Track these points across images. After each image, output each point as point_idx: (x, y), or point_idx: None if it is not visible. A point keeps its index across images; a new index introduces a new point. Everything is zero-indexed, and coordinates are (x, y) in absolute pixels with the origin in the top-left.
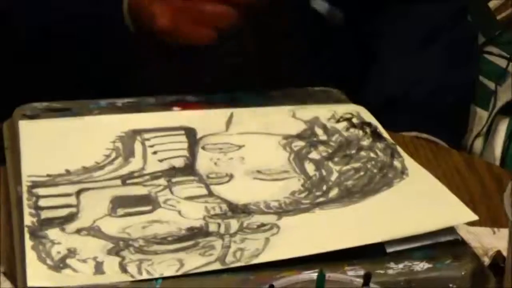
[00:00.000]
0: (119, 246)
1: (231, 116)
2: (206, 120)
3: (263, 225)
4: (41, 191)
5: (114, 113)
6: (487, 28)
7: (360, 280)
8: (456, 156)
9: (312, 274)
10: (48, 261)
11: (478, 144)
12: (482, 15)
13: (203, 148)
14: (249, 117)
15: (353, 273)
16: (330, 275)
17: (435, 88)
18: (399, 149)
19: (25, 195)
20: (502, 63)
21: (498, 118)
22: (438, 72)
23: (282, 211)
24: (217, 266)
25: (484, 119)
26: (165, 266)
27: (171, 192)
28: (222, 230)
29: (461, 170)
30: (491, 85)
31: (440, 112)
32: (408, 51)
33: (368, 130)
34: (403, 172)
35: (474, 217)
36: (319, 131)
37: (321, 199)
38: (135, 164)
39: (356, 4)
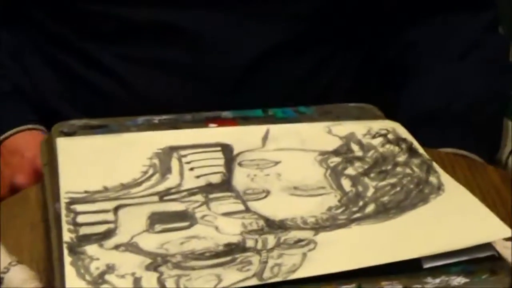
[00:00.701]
0: (157, 261)
1: (267, 132)
2: (242, 136)
3: (300, 240)
4: (79, 207)
5: (151, 129)
6: None
7: None
8: (492, 172)
9: None
10: (87, 277)
11: None
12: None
13: (239, 164)
14: (285, 133)
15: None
16: None
17: (474, 100)
18: (435, 165)
19: (63, 212)
20: None
21: None
22: (477, 84)
23: (319, 226)
24: (254, 281)
25: None
26: (203, 281)
27: (208, 208)
28: (259, 245)
29: (498, 186)
30: None
31: (478, 125)
32: (446, 63)
33: (403, 146)
34: (439, 188)
35: (510, 232)
36: (355, 147)
37: (357, 215)
38: (172, 180)
39: (391, 16)
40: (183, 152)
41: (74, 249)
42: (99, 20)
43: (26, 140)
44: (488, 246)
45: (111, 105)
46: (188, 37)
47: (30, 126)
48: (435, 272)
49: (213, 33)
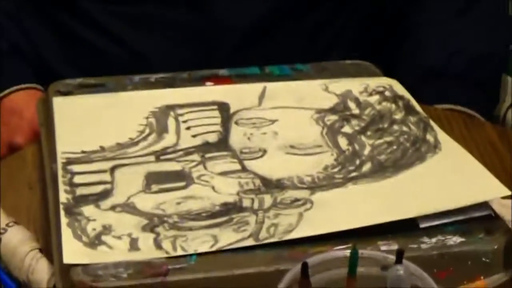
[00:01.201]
0: (154, 222)
1: (264, 90)
2: (239, 94)
3: (296, 200)
4: (75, 167)
5: (147, 88)
6: None
7: (393, 257)
8: (490, 129)
9: (346, 251)
10: (84, 238)
11: (511, 115)
12: None
13: (236, 123)
14: (282, 91)
15: (386, 248)
16: (363, 252)
17: (474, 57)
18: (432, 122)
19: (60, 172)
20: None
21: None
22: (476, 41)
23: (315, 186)
24: (250, 242)
25: None
26: (199, 242)
27: (205, 168)
28: (255, 205)
29: (495, 143)
30: None
31: (478, 81)
32: (445, 22)
33: (400, 103)
34: (436, 146)
35: (507, 191)
36: (351, 104)
37: (354, 174)
38: (168, 139)
39: None
40: (179, 111)
41: (70, 210)
42: None
43: (24, 99)
44: (484, 205)
45: (111, 65)
46: None
47: (28, 85)
48: (431, 231)
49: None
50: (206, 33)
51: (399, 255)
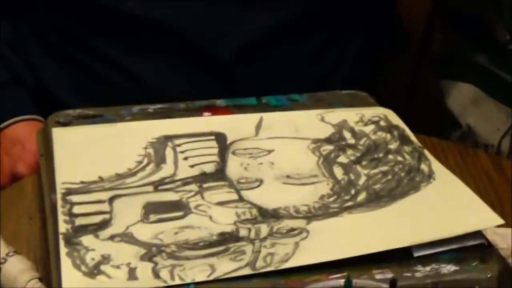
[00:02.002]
0: (152, 252)
1: (261, 120)
2: (235, 125)
3: (292, 229)
4: (75, 198)
5: (146, 119)
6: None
7: (387, 286)
8: (484, 158)
9: (340, 280)
10: (83, 268)
11: (506, 143)
12: (507, 13)
13: (233, 153)
14: (278, 121)
15: (381, 277)
16: (357, 281)
17: None
18: (426, 152)
19: (59, 202)
20: None
21: None
22: None
23: (311, 215)
24: (247, 271)
25: (511, 117)
26: (197, 271)
27: (202, 198)
28: (252, 235)
29: (489, 172)
30: None
31: None
32: None
33: (395, 133)
34: (430, 176)
35: (500, 221)
36: (347, 134)
37: (349, 203)
38: (166, 170)
39: None
40: (177, 141)
41: (70, 240)
42: (98, 13)
43: (26, 130)
44: (477, 234)
45: (115, 95)
46: (179, 30)
47: (29, 116)
48: (425, 260)
49: (204, 23)
50: (205, 61)
51: (393, 284)
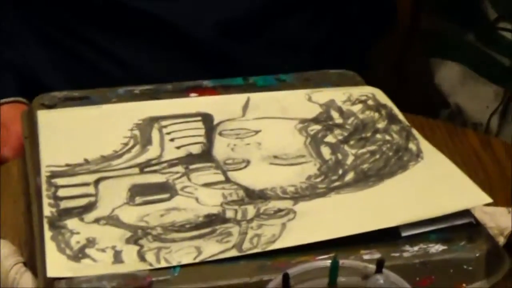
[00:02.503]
0: (138, 234)
1: (248, 101)
2: (222, 105)
3: (279, 210)
4: (60, 181)
5: (131, 100)
6: (500, 3)
7: (374, 266)
8: (472, 137)
9: (327, 261)
10: (68, 251)
11: (495, 121)
12: None
13: (220, 134)
14: (265, 101)
15: (369, 257)
16: (344, 262)
17: None
18: (414, 131)
19: (44, 186)
20: None
21: None
22: None
23: (298, 196)
24: (234, 253)
25: (500, 96)
26: (183, 254)
27: (189, 179)
28: (239, 216)
29: (478, 151)
30: (506, 61)
31: None
32: None
33: (383, 112)
34: (418, 155)
35: (488, 199)
36: (334, 114)
37: (337, 183)
38: (152, 151)
39: None
40: (163, 123)
41: (54, 224)
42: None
43: (10, 113)
44: (465, 213)
45: (103, 81)
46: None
47: (12, 98)
48: (413, 240)
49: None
50: (191, 41)
51: (380, 265)
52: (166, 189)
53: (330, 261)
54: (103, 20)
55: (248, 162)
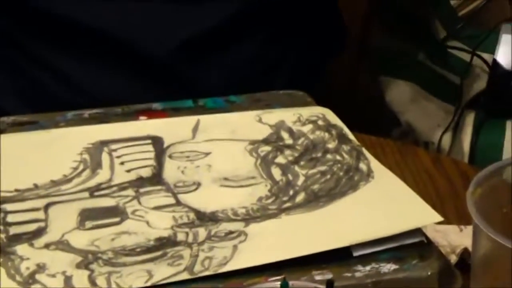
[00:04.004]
0: (88, 259)
1: (198, 123)
2: (172, 128)
3: (230, 232)
4: (9, 206)
5: (81, 124)
6: (449, 22)
7: (324, 287)
8: (423, 155)
9: (277, 283)
10: (18, 278)
11: (447, 139)
12: (443, 9)
13: (170, 156)
14: (215, 123)
15: (321, 277)
16: (293, 283)
17: None
18: (365, 151)
19: None
20: (466, 57)
21: (465, 113)
22: None
23: (249, 217)
24: (185, 276)
25: (451, 114)
26: (134, 277)
27: (139, 203)
28: (190, 239)
29: (429, 169)
30: (456, 79)
31: None
32: None
33: (333, 132)
34: (368, 174)
35: (439, 218)
36: (285, 135)
37: (287, 204)
38: (102, 175)
39: None
40: (113, 146)
41: (4, 249)
42: (32, 16)
43: None
44: (417, 231)
45: (55, 101)
46: (113, 32)
47: None
48: (365, 259)
49: (139, 23)
50: (144, 63)
51: (329, 285)
52: (117, 213)
53: (279, 282)
54: (50, 36)
55: (198, 185)
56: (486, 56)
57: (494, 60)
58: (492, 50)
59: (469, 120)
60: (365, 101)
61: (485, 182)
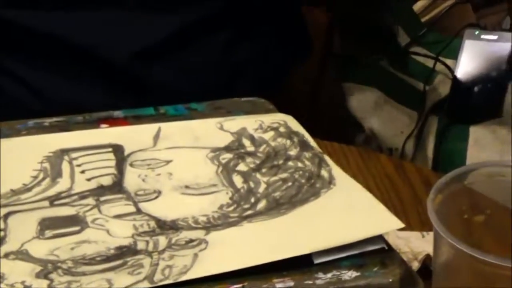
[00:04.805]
0: (48, 268)
1: (159, 131)
2: (133, 136)
3: (191, 241)
4: None
5: (41, 133)
6: (412, 29)
7: None
8: (386, 161)
9: None
10: None
11: (410, 146)
12: (406, 16)
13: (131, 165)
14: (176, 131)
15: (282, 285)
16: None
17: None
18: (327, 158)
19: None
20: (429, 63)
21: (428, 119)
22: None
23: (210, 225)
24: (145, 284)
25: (415, 120)
26: (93, 287)
27: (99, 211)
28: (150, 247)
29: (391, 175)
30: (420, 85)
31: None
32: None
33: (295, 139)
34: (330, 181)
35: (400, 224)
36: (246, 142)
37: (249, 212)
38: (62, 184)
39: None
40: (74, 155)
41: None
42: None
43: None
44: (378, 238)
45: (18, 108)
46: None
47: None
48: (326, 267)
49: (98, 30)
50: (105, 69)
51: None
52: (77, 222)
53: None
54: (12, 45)
55: (159, 193)
56: (449, 61)
57: (457, 66)
58: (455, 55)
59: (433, 126)
60: (328, 108)
61: (445, 189)
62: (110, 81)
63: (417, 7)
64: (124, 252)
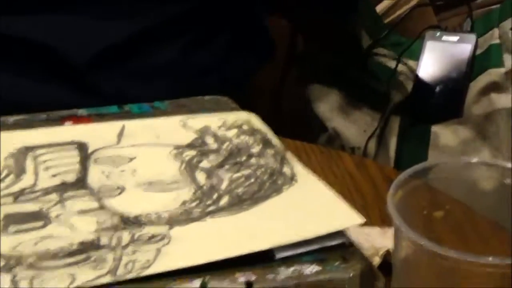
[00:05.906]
0: (11, 263)
1: (123, 128)
2: (97, 133)
3: (154, 236)
4: None
5: (5, 130)
6: (375, 30)
7: None
8: (348, 159)
9: (196, 285)
10: None
11: (372, 145)
12: (368, 17)
13: (94, 161)
14: (140, 129)
15: (244, 279)
16: (215, 284)
17: None
18: (289, 155)
19: None
20: (391, 63)
21: (391, 119)
22: None
23: (173, 221)
24: (108, 279)
25: (377, 120)
26: (57, 281)
27: (63, 207)
28: (113, 242)
29: (352, 173)
30: (382, 86)
31: None
32: None
33: (258, 136)
34: (292, 178)
35: (360, 220)
36: (209, 139)
37: (211, 208)
38: (26, 180)
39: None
40: (38, 152)
41: None
42: None
43: None
44: (339, 234)
45: None
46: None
47: None
48: (288, 262)
49: (58, 32)
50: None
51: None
52: (40, 218)
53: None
54: None
55: (123, 189)
56: (411, 62)
57: (419, 67)
58: (417, 56)
59: (395, 126)
60: (292, 108)
61: (406, 185)
62: (70, 83)
63: (379, 8)
64: (87, 247)
